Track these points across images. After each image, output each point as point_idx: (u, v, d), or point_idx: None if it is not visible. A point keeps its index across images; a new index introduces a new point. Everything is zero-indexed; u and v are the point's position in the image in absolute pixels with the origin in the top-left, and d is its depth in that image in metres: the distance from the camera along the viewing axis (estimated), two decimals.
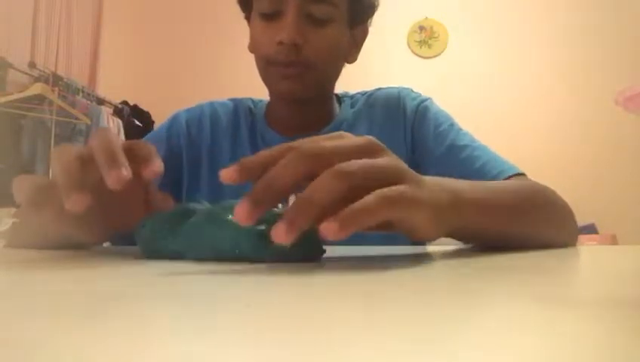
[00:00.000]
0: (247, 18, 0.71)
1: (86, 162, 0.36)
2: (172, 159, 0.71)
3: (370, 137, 0.34)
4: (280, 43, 0.62)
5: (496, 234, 0.45)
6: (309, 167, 0.30)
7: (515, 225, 0.47)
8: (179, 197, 0.70)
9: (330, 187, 0.28)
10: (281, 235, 0.27)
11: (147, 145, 0.38)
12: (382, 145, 0.34)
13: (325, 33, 0.64)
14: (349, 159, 0.30)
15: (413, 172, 0.34)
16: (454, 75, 2.99)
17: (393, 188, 0.30)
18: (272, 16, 0.64)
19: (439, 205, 0.35)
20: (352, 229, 0.27)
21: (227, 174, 0.31)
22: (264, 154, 0.32)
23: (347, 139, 0.33)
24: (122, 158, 0.35)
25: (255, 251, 0.33)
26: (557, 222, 0.53)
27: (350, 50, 0.71)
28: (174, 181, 0.70)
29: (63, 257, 0.40)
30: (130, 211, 0.43)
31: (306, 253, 0.35)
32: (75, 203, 0.33)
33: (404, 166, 0.34)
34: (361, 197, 0.28)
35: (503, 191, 0.50)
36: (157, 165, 0.37)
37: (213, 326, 0.15)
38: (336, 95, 0.78)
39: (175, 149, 0.72)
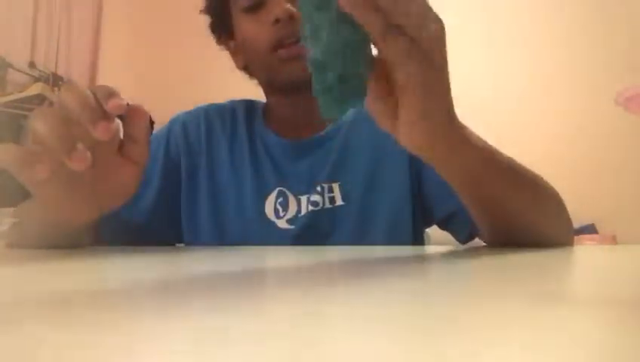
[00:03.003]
0: (222, 42, 0.73)
1: (70, 122, 0.37)
2: (170, 163, 0.71)
3: None
4: (276, 21, 0.61)
5: (491, 190, 0.46)
6: None
7: (512, 188, 0.47)
8: (177, 199, 0.70)
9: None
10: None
11: (106, 86, 0.39)
12: None
13: None
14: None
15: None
16: (454, 75, 2.97)
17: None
18: (256, 8, 0.64)
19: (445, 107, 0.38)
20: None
21: None
22: None
23: None
24: (102, 110, 0.37)
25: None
26: (554, 213, 0.53)
27: None
28: (173, 184, 0.70)
29: (63, 257, 0.40)
30: (110, 181, 0.44)
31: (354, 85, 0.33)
32: (79, 160, 0.35)
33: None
34: None
35: (508, 158, 0.50)
36: (117, 101, 0.38)
37: (212, 326, 0.15)
38: None
39: (173, 153, 0.72)
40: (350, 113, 0.74)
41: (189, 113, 0.76)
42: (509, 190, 0.47)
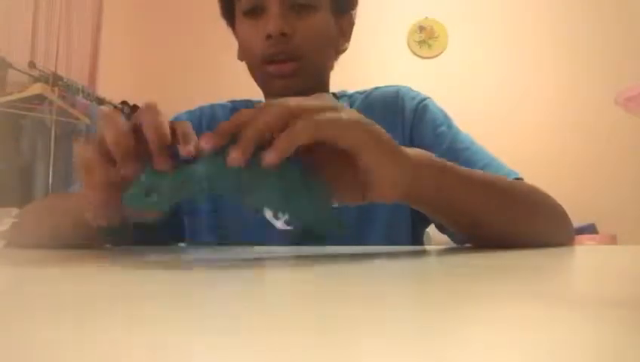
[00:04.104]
0: (231, 26, 0.71)
1: (135, 137, 0.36)
2: None
3: (327, 101, 0.39)
4: (269, 37, 0.61)
5: (470, 212, 0.47)
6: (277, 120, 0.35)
7: (490, 208, 0.48)
8: None
9: (267, 116, 0.34)
10: (236, 158, 0.32)
11: (185, 124, 0.38)
12: (338, 105, 0.38)
13: (312, 20, 0.64)
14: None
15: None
16: (454, 76, 2.99)
17: (326, 113, 0.36)
18: (255, 13, 0.63)
19: (393, 147, 0.40)
20: (285, 149, 0.33)
21: (207, 142, 0.33)
22: (237, 116, 0.35)
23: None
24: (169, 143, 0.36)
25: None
26: (543, 221, 0.53)
27: (339, 40, 0.71)
28: None
29: (63, 257, 0.40)
30: None
31: (329, 227, 0.39)
32: (130, 170, 0.34)
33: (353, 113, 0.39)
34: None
35: (483, 174, 0.51)
36: (191, 146, 0.36)
37: (213, 327, 0.15)
38: (334, 94, 0.78)
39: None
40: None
41: (190, 113, 0.76)
42: (488, 209, 0.48)
